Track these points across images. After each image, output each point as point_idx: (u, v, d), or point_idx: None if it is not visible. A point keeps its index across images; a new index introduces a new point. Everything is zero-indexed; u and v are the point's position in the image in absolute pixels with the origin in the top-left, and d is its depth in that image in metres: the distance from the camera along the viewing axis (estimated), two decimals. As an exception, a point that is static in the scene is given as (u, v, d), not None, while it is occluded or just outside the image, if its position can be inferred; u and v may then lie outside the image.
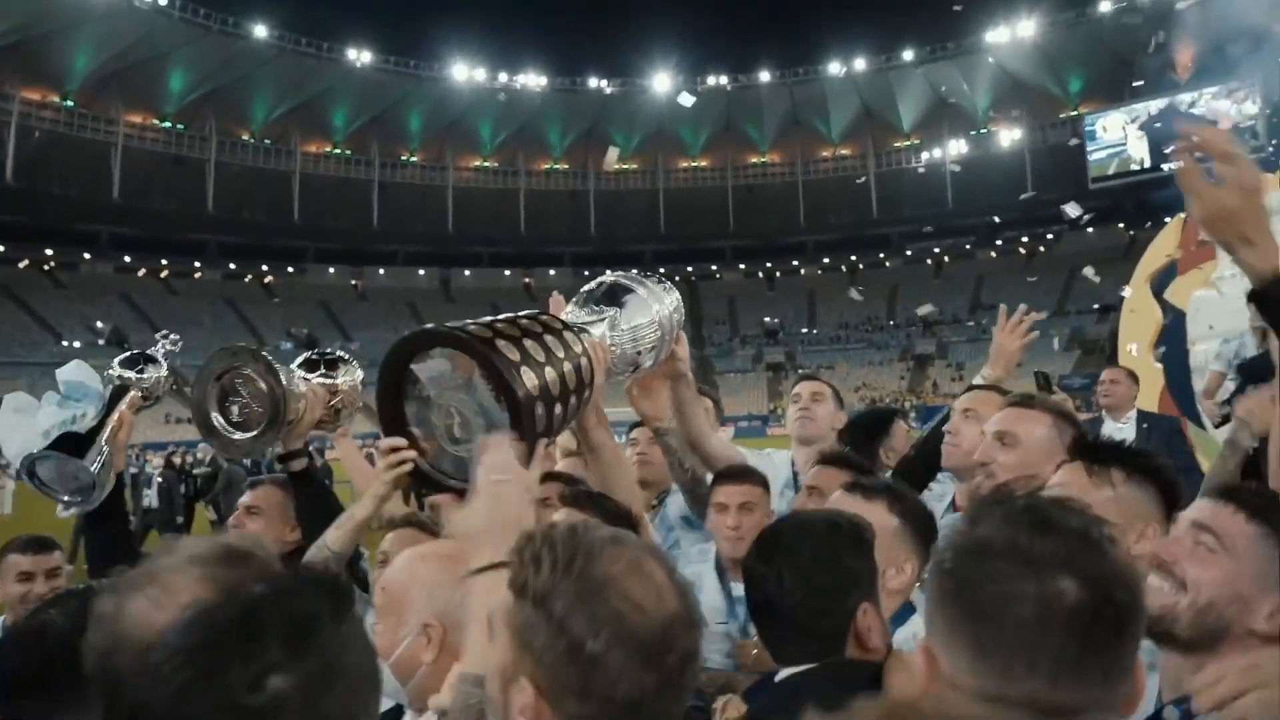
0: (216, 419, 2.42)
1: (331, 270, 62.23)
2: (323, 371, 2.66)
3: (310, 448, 2.60)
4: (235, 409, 2.42)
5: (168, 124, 55.73)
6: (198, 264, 57.94)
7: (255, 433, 2.41)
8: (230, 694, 0.79)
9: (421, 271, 64.29)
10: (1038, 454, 2.11)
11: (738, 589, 2.40)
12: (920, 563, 1.84)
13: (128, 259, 55.43)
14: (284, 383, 2.37)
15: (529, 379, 1.60)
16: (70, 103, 51.76)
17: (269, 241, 58.00)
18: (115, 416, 2.56)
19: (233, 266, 58.78)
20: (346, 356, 2.77)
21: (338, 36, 54.13)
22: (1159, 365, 8.27)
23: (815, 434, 3.13)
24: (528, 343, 1.66)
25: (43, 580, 2.72)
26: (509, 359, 1.59)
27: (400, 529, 2.33)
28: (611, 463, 2.22)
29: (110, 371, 2.71)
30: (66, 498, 2.46)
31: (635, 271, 2.34)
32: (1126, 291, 9.41)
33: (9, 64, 47.60)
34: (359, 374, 2.75)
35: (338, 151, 61.62)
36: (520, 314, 1.82)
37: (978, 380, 2.95)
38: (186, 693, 0.80)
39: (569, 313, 2.10)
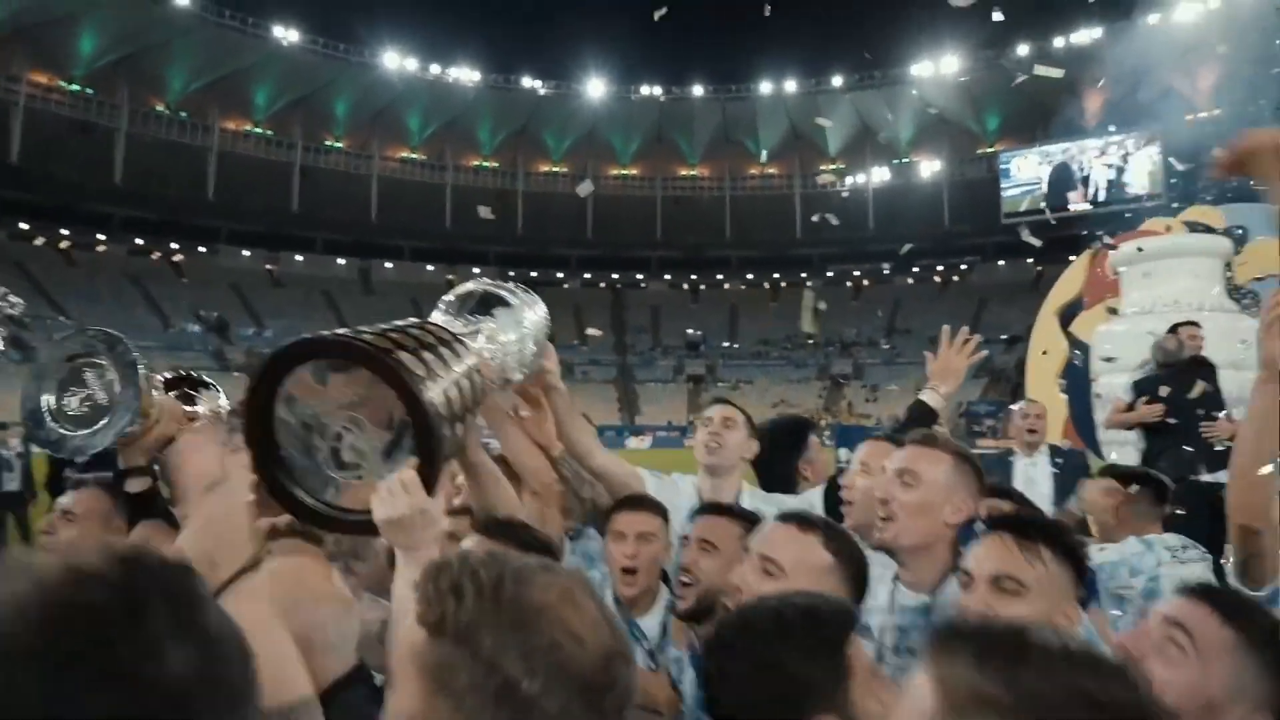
0: (46, 403, 2.11)
1: (246, 253, 60.03)
2: (183, 392, 2.35)
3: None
4: (75, 400, 2.11)
5: (75, 87, 52.91)
6: (101, 236, 55.08)
7: (90, 430, 2.08)
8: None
9: (341, 261, 62.62)
10: (938, 492, 2.09)
11: (641, 622, 2.41)
12: None
13: (24, 226, 52.35)
14: (140, 383, 2.06)
15: (436, 396, 1.44)
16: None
17: (180, 219, 55.58)
18: None
19: (139, 242, 56.06)
20: (212, 384, 2.48)
21: (264, 12, 52.37)
22: (1064, 396, 8.64)
23: (723, 463, 2.98)
24: (427, 356, 1.50)
25: None
26: (416, 374, 1.40)
27: (284, 538, 2.12)
28: (491, 482, 2.16)
29: None
30: None
31: (505, 279, 2.32)
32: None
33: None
34: (222, 402, 2.45)
35: (259, 130, 59.53)
36: (409, 323, 1.67)
37: (924, 397, 3.02)
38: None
39: (440, 321, 1.97)
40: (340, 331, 1.47)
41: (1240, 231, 8.93)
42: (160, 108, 55.87)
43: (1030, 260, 53.66)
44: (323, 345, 1.43)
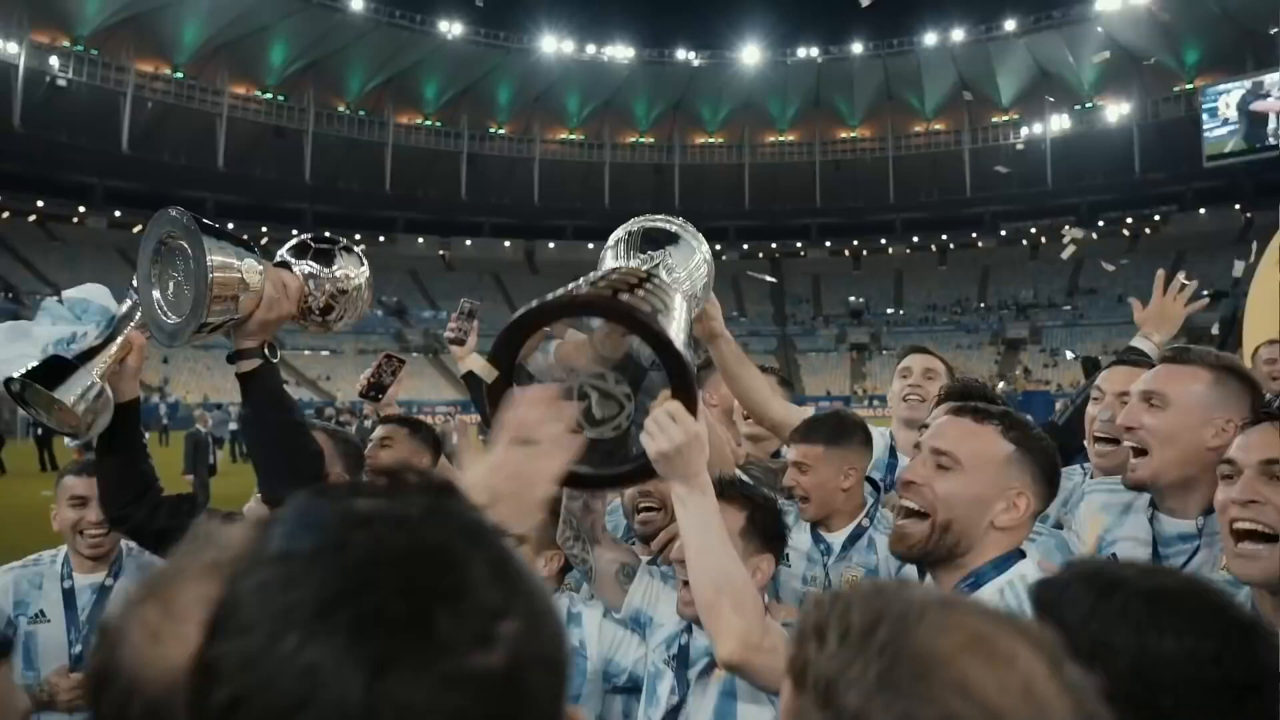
0: (155, 295, 1.95)
1: (420, 240, 63.63)
2: (311, 258, 2.11)
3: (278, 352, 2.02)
4: (171, 285, 1.95)
5: (269, 95, 57.65)
6: (295, 231, 59.16)
7: (179, 318, 1.91)
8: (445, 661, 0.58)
9: (507, 243, 65.18)
10: (1193, 416, 1.84)
11: (827, 537, 2.47)
12: (1034, 500, 1.63)
13: (230, 225, 57.59)
14: (209, 258, 1.83)
15: (672, 328, 1.44)
16: (180, 74, 54.02)
17: (362, 211, 59.69)
18: (118, 340, 2.09)
19: (327, 235, 60.57)
20: (350, 247, 2.22)
21: (431, 8, 54.91)
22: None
23: (923, 416, 2.73)
24: (642, 293, 1.51)
25: (95, 507, 2.47)
26: (648, 311, 1.41)
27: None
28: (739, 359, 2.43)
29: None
30: (51, 424, 2.06)
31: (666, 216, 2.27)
32: (1238, 271, 8.86)
33: (122, 37, 49.95)
34: (363, 270, 2.18)
35: (429, 123, 62.74)
36: (605, 271, 1.70)
37: (1137, 343, 2.78)
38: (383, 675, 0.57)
39: (615, 261, 2.04)
40: (557, 293, 1.46)
41: None
42: (341, 108, 59.97)
43: (1238, 207, 48.42)
44: (551, 308, 1.43)
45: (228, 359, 2.01)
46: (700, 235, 2.23)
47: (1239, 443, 1.62)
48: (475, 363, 3.43)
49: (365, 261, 2.22)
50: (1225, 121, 46.74)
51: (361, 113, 60.54)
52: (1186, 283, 2.83)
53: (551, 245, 65.53)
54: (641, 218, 2.24)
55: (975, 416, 1.67)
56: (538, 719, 0.54)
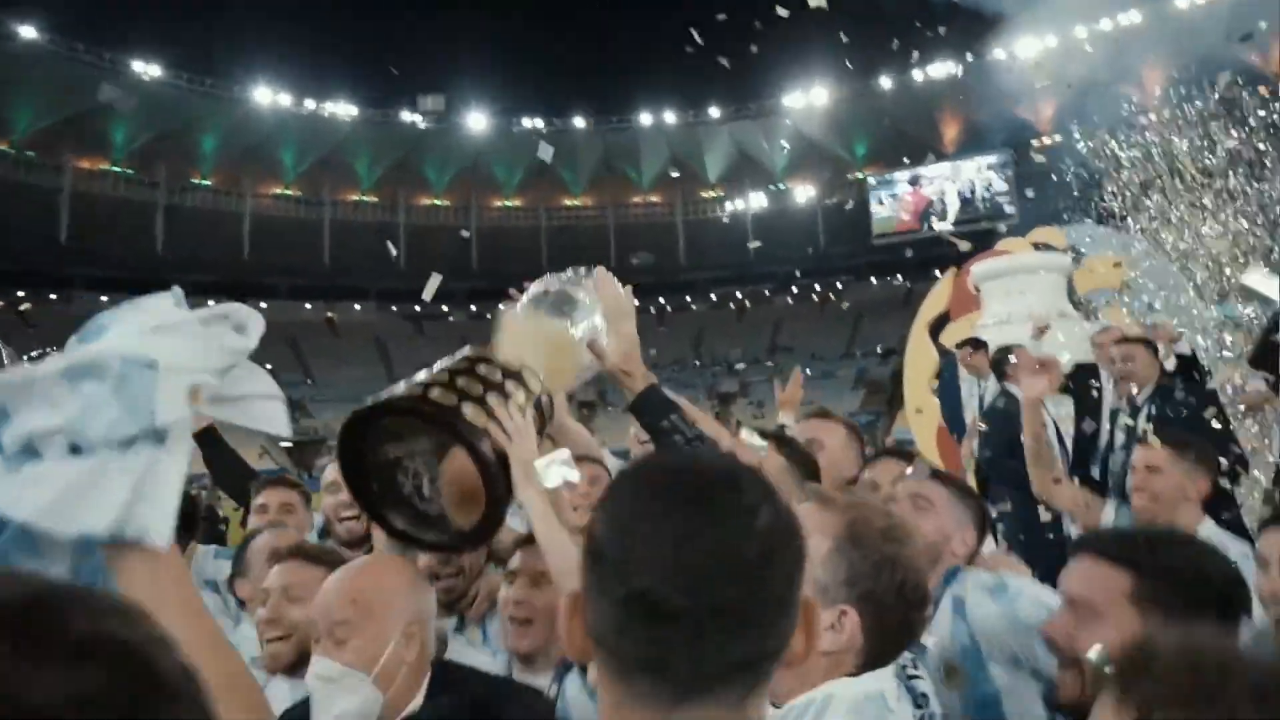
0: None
1: (104, 299, 56.61)
2: None
3: None
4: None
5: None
6: (-62, 286, 50.89)
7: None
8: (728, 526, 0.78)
9: (212, 303, 59.48)
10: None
11: None
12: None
13: None
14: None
15: (491, 444, 1.63)
16: None
17: (30, 266, 52.00)
18: None
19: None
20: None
21: (122, 46, 50.00)
22: (936, 400, 9.25)
23: None
24: (491, 399, 1.69)
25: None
26: (475, 428, 1.62)
27: (286, 561, 2.17)
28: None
29: None
30: None
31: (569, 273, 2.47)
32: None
33: None
34: None
35: (117, 169, 56.53)
36: (456, 362, 1.82)
37: (784, 419, 3.53)
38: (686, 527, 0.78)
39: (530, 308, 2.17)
40: (409, 385, 1.70)
41: (1079, 250, 9.88)
42: (4, 147, 52.36)
43: (900, 278, 56.47)
44: (399, 406, 1.66)
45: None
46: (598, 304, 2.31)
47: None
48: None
49: None
50: (887, 205, 55.01)
51: (30, 153, 53.23)
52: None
53: (264, 305, 61.17)
54: (556, 277, 2.41)
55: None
56: None
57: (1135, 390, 4.59)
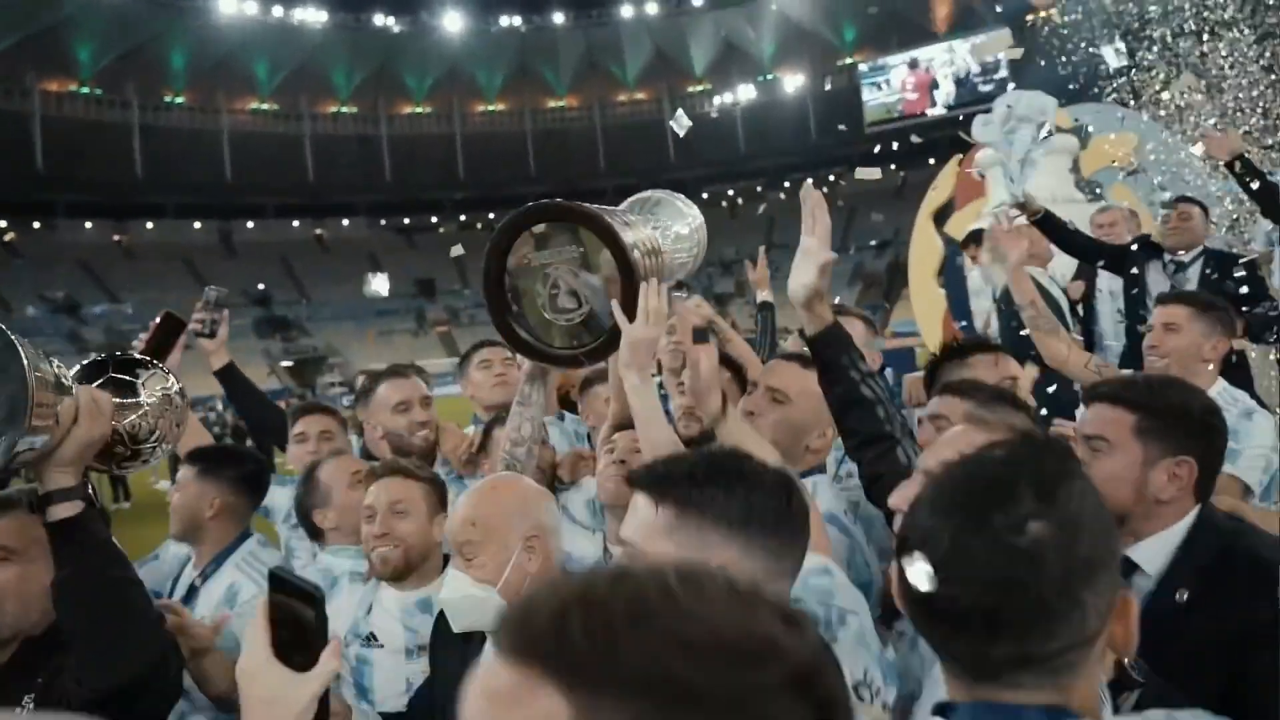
0: None
1: (89, 225, 55.76)
2: (113, 378, 1.76)
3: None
4: None
5: None
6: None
7: None
8: (997, 535, 0.83)
9: (197, 225, 59.02)
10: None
11: None
12: None
13: None
14: (29, 369, 1.40)
15: (630, 238, 1.85)
16: None
17: (9, 196, 50.94)
18: None
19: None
20: (153, 364, 1.85)
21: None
22: (942, 291, 9.16)
23: None
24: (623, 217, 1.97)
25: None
26: (616, 222, 1.85)
27: (385, 479, 2.25)
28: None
29: None
30: None
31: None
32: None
33: None
34: (170, 384, 1.82)
35: (85, 91, 54.73)
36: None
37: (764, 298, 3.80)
38: (958, 536, 0.85)
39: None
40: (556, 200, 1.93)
41: (1085, 129, 9.59)
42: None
43: (894, 168, 55.56)
44: (549, 211, 1.88)
45: (31, 506, 1.59)
46: (698, 217, 2.48)
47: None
48: (224, 359, 3.18)
49: (172, 375, 1.86)
50: (879, 93, 53.56)
51: (-8, 78, 51.40)
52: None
53: (250, 225, 60.31)
54: (655, 192, 2.58)
55: (803, 362, 2.22)
56: None
57: (1183, 253, 4.52)
